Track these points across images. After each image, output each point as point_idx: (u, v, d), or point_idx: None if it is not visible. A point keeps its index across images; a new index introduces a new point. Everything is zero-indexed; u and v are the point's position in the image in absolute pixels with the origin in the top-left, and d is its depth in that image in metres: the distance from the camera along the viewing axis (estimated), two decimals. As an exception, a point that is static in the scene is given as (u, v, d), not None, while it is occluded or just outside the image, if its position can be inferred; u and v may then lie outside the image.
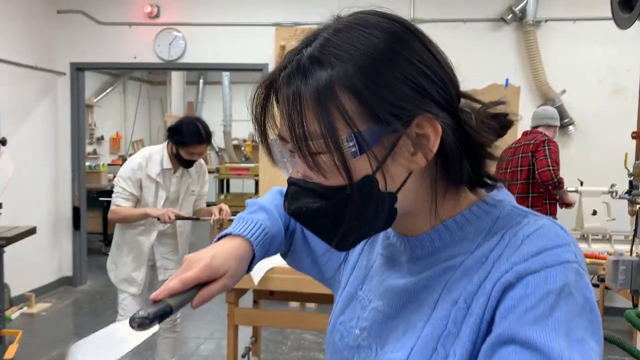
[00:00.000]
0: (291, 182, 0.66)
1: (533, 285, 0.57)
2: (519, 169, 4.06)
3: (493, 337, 0.57)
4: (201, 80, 10.73)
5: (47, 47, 5.49)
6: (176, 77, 9.21)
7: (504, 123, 0.68)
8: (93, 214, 6.99)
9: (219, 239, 0.82)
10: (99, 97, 9.26)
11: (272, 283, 2.66)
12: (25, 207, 4.99)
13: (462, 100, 0.66)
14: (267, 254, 0.86)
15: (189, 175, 3.13)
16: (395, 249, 0.74)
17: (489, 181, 0.69)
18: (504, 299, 0.58)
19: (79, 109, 5.74)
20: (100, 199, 7.25)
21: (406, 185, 0.63)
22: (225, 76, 9.91)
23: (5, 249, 3.51)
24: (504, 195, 0.70)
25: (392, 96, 0.59)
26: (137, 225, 3.00)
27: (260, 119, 0.66)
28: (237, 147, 10.79)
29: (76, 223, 5.78)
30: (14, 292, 4.77)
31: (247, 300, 3.16)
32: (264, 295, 3.14)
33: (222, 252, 0.78)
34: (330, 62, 0.59)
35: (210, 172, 4.38)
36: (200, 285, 0.74)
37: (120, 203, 2.92)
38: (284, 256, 0.97)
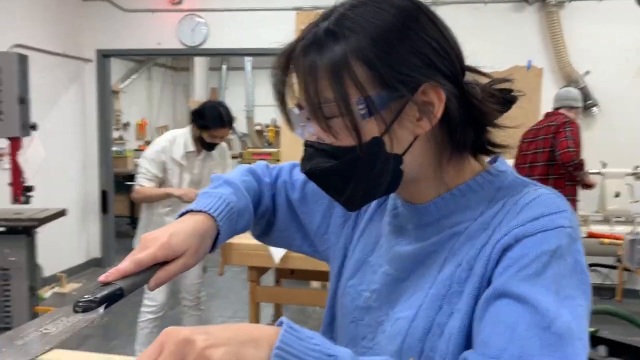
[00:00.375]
0: (307, 144, 0.72)
1: (529, 246, 0.62)
2: (539, 150, 4.05)
3: (489, 292, 0.63)
4: (224, 66, 10.80)
5: (74, 34, 5.62)
6: (199, 63, 9.29)
7: (508, 98, 0.73)
8: (120, 198, 7.16)
9: (181, 215, 0.79)
10: (124, 84, 9.41)
11: (292, 262, 2.73)
12: (55, 191, 5.15)
13: (470, 75, 0.71)
14: (234, 230, 0.83)
15: (212, 158, 3.21)
16: (402, 218, 0.78)
17: (491, 148, 0.74)
18: (502, 259, 0.64)
19: (106, 95, 5.88)
20: (127, 183, 7.43)
21: (412, 149, 0.68)
22: (248, 62, 9.95)
23: (38, 230, 3.66)
24: (506, 167, 0.75)
25: (400, 65, 0.65)
26: (164, 206, 3.11)
27: (280, 87, 0.72)
28: (259, 133, 10.87)
29: (104, 206, 5.95)
30: (46, 272, 4.95)
31: (268, 280, 3.25)
32: (284, 274, 3.23)
33: (181, 229, 0.74)
34: (345, 35, 0.65)
35: (233, 157, 4.46)
36: (158, 265, 0.71)
37: (143, 183, 3.03)
38: (260, 237, 0.97)
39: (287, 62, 0.70)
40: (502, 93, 0.72)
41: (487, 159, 0.76)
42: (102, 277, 0.66)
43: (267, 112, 10.46)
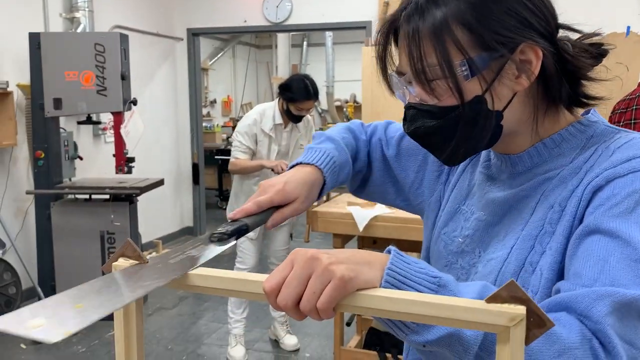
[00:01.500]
0: (409, 106, 0.77)
1: (620, 186, 0.65)
2: (632, 121, 3.81)
3: (580, 229, 0.66)
4: (305, 43, 10.93)
5: (166, 14, 5.92)
6: (282, 40, 9.46)
7: (599, 52, 0.75)
8: (209, 171, 7.52)
9: (290, 168, 0.89)
10: (211, 62, 9.78)
11: (375, 230, 2.79)
12: (151, 163, 5.51)
13: (561, 32, 0.74)
14: (336, 181, 0.93)
15: (298, 130, 3.33)
16: (496, 168, 0.83)
17: (586, 100, 0.76)
18: (593, 199, 0.67)
19: (196, 72, 6.16)
20: (216, 157, 7.80)
21: (512, 105, 0.73)
22: (329, 37, 10.01)
23: (138, 199, 3.97)
24: (598, 117, 0.78)
25: (499, 27, 0.69)
26: (252, 177, 3.27)
27: (382, 55, 0.77)
28: (339, 108, 10.95)
29: (195, 178, 6.29)
30: (144, 239, 5.34)
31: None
32: (367, 243, 3.30)
33: (294, 178, 0.84)
34: (444, 1, 0.70)
35: (314, 131, 4.59)
36: (274, 208, 0.81)
37: (238, 156, 3.20)
38: (356, 191, 1.05)
39: (389, 30, 0.76)
40: (593, 47, 0.75)
41: (581, 111, 0.79)
42: (230, 215, 0.77)
43: (347, 88, 10.51)
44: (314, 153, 0.90)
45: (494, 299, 0.49)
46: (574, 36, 0.76)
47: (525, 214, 0.76)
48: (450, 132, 0.73)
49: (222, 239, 0.70)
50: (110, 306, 0.49)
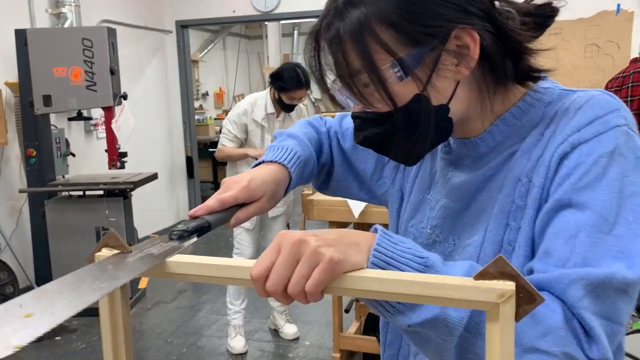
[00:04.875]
0: (354, 116, 0.74)
1: (586, 152, 0.63)
2: (629, 99, 3.82)
3: (550, 204, 0.64)
4: (295, 32, 10.86)
5: (154, 7, 5.86)
6: (272, 30, 9.39)
7: (548, 13, 0.71)
8: (203, 164, 7.49)
9: (254, 166, 0.85)
10: (201, 54, 9.72)
11: (371, 217, 2.79)
12: (144, 157, 5.48)
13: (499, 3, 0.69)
14: (301, 177, 0.89)
15: (291, 119, 3.31)
16: (457, 152, 0.79)
17: (534, 74, 0.73)
18: (560, 168, 0.65)
19: (186, 65, 6.12)
20: (210, 150, 7.76)
21: (457, 95, 0.69)
22: (319, 25, 9.96)
23: (132, 194, 3.95)
24: (550, 83, 0.74)
25: (424, 18, 0.64)
26: (248, 166, 3.26)
27: (316, 68, 0.72)
28: (332, 97, 10.91)
29: (190, 172, 6.27)
30: (141, 233, 5.33)
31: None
32: (363, 230, 3.29)
33: (259, 176, 0.80)
34: (363, 1, 0.65)
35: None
36: (238, 206, 0.77)
37: (225, 143, 3.21)
38: (321, 187, 1.02)
39: (316, 43, 0.71)
40: (539, 11, 0.71)
41: (532, 84, 0.75)
42: (191, 212, 0.73)
43: (340, 76, 10.47)
44: (276, 151, 0.87)
45: (482, 275, 0.48)
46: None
47: (494, 192, 0.73)
48: (397, 136, 0.70)
49: (182, 236, 0.66)
50: (60, 316, 0.45)
